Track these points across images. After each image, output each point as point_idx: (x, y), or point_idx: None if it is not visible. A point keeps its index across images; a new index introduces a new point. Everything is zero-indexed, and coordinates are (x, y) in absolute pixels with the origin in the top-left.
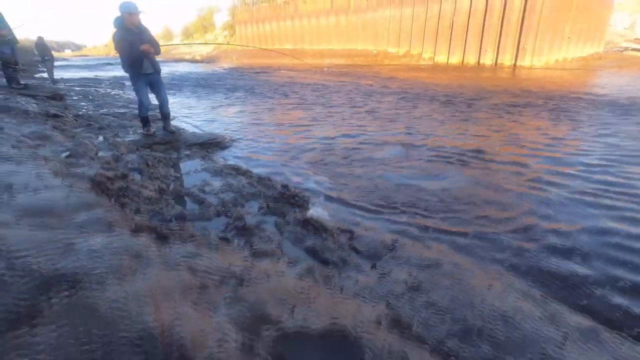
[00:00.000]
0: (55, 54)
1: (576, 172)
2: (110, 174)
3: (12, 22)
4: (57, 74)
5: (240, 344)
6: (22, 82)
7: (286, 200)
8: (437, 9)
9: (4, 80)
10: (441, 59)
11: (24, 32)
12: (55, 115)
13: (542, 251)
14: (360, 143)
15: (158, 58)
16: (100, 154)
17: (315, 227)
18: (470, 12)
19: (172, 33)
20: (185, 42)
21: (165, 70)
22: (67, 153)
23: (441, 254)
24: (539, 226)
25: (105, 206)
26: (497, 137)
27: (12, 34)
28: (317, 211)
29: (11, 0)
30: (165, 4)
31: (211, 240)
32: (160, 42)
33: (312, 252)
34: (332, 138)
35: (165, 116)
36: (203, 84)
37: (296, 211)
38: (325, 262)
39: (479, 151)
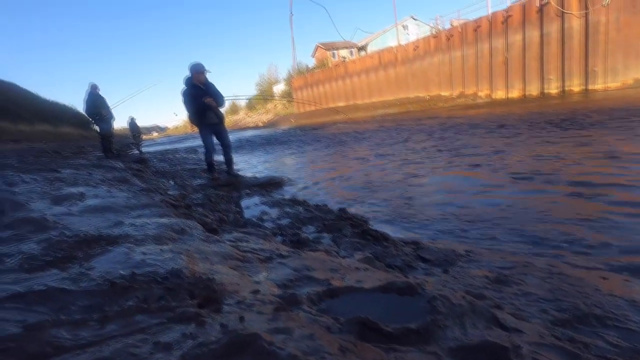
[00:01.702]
0: (144, 137)
1: None
2: (175, 202)
3: (110, 100)
4: (144, 149)
5: (278, 296)
6: (115, 152)
7: (344, 222)
8: (487, 47)
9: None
10: (499, 94)
11: (120, 122)
12: (137, 170)
13: None
14: (426, 174)
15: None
16: (170, 192)
17: (374, 237)
18: (524, 45)
19: (237, 106)
20: (250, 113)
21: (234, 137)
22: None
23: (531, 259)
24: None
25: (162, 207)
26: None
27: (110, 112)
28: (377, 227)
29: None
30: (231, 80)
31: (260, 232)
32: (227, 116)
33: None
34: (393, 172)
35: (229, 161)
36: (267, 143)
37: (355, 229)
38: (387, 267)
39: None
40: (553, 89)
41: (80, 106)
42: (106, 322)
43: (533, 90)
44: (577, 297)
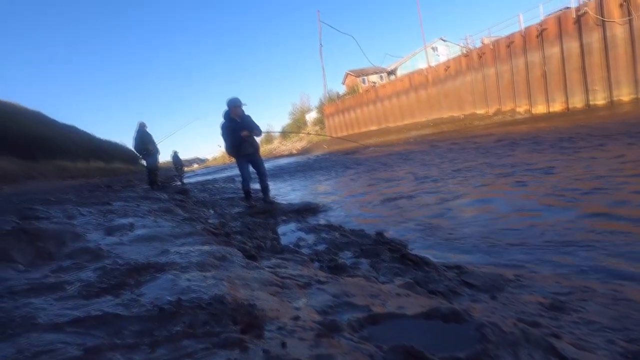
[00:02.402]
0: (186, 168)
1: None
2: (215, 231)
3: (156, 136)
4: (186, 180)
5: (319, 322)
6: (159, 184)
7: (382, 247)
8: (523, 62)
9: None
10: (540, 109)
11: (164, 156)
12: (180, 200)
13: None
14: (467, 194)
15: (262, 148)
16: (210, 220)
17: (414, 261)
18: (563, 57)
19: (271, 135)
20: (284, 141)
21: (270, 165)
22: None
23: (590, 283)
24: None
25: (203, 235)
26: None
27: (156, 147)
28: (416, 251)
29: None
30: (264, 110)
31: (298, 258)
32: (262, 145)
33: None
34: (432, 194)
35: (265, 189)
36: (302, 169)
37: (393, 253)
38: (430, 293)
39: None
40: (599, 100)
41: (128, 142)
42: (156, 346)
43: (577, 102)
44: None
